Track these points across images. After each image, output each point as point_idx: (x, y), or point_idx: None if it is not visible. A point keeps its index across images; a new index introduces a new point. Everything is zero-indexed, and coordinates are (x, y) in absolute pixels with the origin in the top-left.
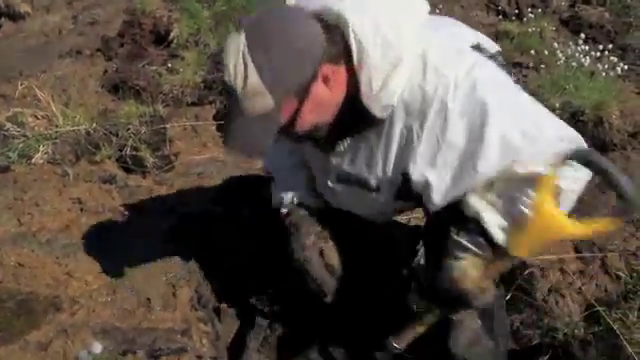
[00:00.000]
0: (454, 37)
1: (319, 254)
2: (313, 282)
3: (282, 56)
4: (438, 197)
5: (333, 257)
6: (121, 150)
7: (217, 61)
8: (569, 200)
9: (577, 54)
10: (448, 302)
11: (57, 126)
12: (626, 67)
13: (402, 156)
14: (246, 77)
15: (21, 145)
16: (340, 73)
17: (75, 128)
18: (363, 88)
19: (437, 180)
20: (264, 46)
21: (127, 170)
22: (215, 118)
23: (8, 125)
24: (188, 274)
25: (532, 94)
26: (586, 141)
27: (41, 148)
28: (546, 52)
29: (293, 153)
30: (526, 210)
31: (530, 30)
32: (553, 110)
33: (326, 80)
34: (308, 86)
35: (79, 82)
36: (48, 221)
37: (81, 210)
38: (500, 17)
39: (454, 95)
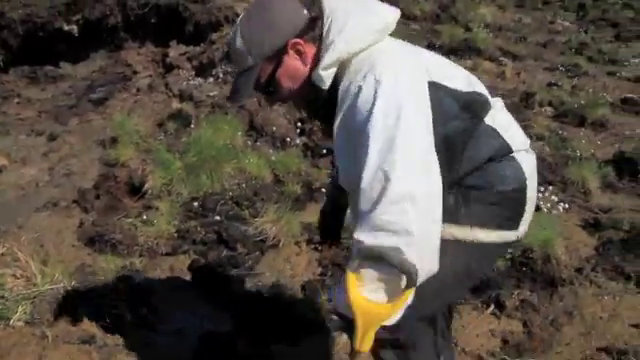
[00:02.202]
0: (419, 57)
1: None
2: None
3: (258, 27)
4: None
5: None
6: (100, 308)
7: (189, 209)
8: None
9: None
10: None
11: (35, 285)
12: (567, 205)
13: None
14: (234, 41)
15: (0, 307)
16: (311, 50)
17: (54, 286)
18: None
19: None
20: (248, 17)
21: (106, 329)
22: (190, 268)
23: None
24: None
25: None
26: (535, 279)
27: (20, 309)
28: None
29: None
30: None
31: None
32: None
33: (299, 52)
34: (280, 55)
35: (56, 235)
36: None
37: None
38: None
39: (376, 96)
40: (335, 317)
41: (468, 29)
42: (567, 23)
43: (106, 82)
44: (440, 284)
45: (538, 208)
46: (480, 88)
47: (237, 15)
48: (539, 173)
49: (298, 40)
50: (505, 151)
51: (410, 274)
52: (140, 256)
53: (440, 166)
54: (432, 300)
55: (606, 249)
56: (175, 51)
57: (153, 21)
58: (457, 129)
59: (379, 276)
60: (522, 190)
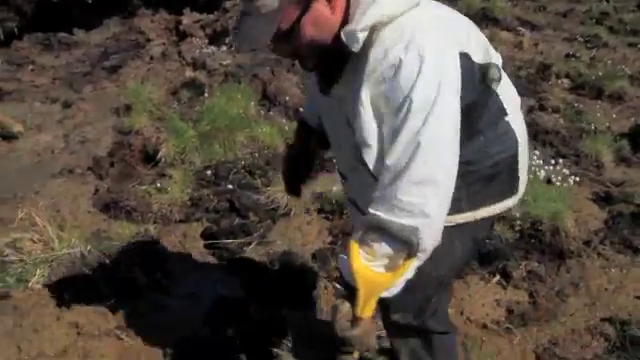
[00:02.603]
0: (450, 32)
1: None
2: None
3: None
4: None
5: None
6: (115, 272)
7: (202, 177)
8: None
9: (532, 167)
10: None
11: (53, 249)
12: (578, 178)
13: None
14: None
15: (19, 270)
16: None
17: (70, 251)
18: (349, 18)
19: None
20: None
21: (121, 292)
22: (202, 236)
23: (7, 251)
24: None
25: None
26: (543, 251)
27: (38, 272)
28: None
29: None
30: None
31: None
32: (513, 220)
33: (329, 0)
34: (310, 0)
35: (72, 202)
36: (46, 347)
37: (78, 334)
38: None
39: (416, 75)
40: (339, 286)
41: None
42: None
43: (119, 50)
44: (456, 270)
45: (549, 181)
46: (496, 58)
47: None
48: (553, 146)
49: None
50: (501, 115)
51: (414, 248)
52: (154, 223)
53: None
54: (449, 274)
55: (616, 222)
56: (188, 19)
57: None
58: (475, 101)
59: (384, 247)
60: (515, 155)
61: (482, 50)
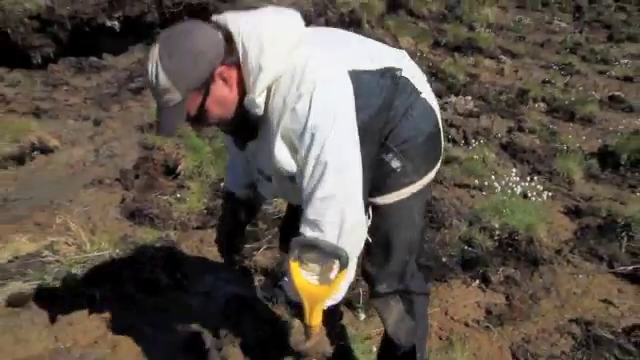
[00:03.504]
0: (335, 51)
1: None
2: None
3: (182, 59)
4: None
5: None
6: (139, 272)
7: (217, 189)
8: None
9: (510, 183)
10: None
11: (85, 251)
12: (551, 193)
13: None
14: (157, 78)
15: (55, 270)
16: (234, 75)
17: (100, 253)
18: (246, 89)
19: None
20: (169, 52)
21: (145, 290)
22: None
23: (45, 252)
24: None
25: (476, 216)
26: (519, 258)
27: (72, 271)
28: (486, 183)
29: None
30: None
31: (475, 157)
32: (493, 230)
33: (225, 80)
34: (208, 85)
35: (101, 209)
36: (79, 338)
37: (107, 327)
38: (450, 144)
39: (308, 110)
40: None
41: (471, 28)
42: (564, 24)
43: (144, 73)
44: (420, 231)
45: (525, 196)
46: (387, 59)
47: None
48: (529, 163)
49: (223, 67)
50: (417, 94)
51: (341, 258)
52: (174, 229)
53: (376, 134)
54: (421, 244)
55: (584, 234)
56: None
57: (186, 18)
58: (390, 93)
59: (318, 263)
60: (437, 124)
61: (373, 58)
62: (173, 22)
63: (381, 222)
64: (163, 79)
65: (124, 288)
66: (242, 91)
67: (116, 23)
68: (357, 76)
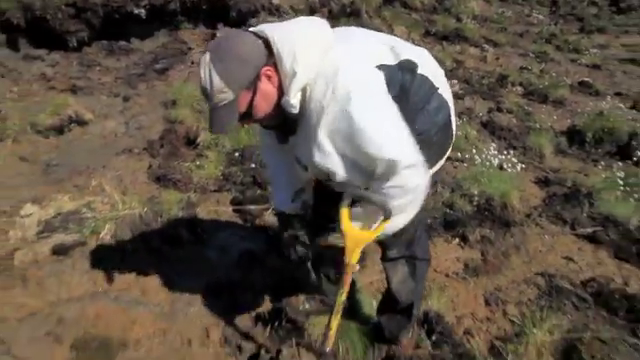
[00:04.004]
0: (359, 51)
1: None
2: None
3: (232, 62)
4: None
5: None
6: (164, 228)
7: (231, 158)
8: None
9: (489, 156)
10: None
11: (117, 210)
12: (524, 166)
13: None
14: (211, 80)
15: (92, 225)
16: (275, 75)
17: (131, 212)
18: (284, 89)
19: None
20: (220, 57)
21: (170, 243)
22: (231, 202)
23: (83, 210)
24: (217, 321)
25: (457, 184)
26: (494, 220)
27: (106, 227)
28: (467, 156)
29: (279, 157)
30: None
31: (459, 133)
32: (472, 196)
33: (268, 77)
34: (256, 83)
35: (131, 174)
36: (115, 283)
37: (137, 274)
38: None
39: (337, 108)
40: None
41: (459, 19)
42: (541, 16)
43: (167, 55)
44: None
45: (501, 167)
46: (405, 53)
47: (272, 4)
48: (506, 140)
49: (267, 67)
50: (433, 90)
51: (386, 212)
52: (194, 192)
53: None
54: (424, 213)
55: (551, 200)
56: (221, 32)
57: (205, 7)
58: (408, 87)
59: (365, 212)
60: (449, 117)
61: (392, 53)
62: (193, 10)
63: None
64: (216, 80)
65: (151, 241)
66: (281, 91)
67: (142, 11)
68: (383, 70)
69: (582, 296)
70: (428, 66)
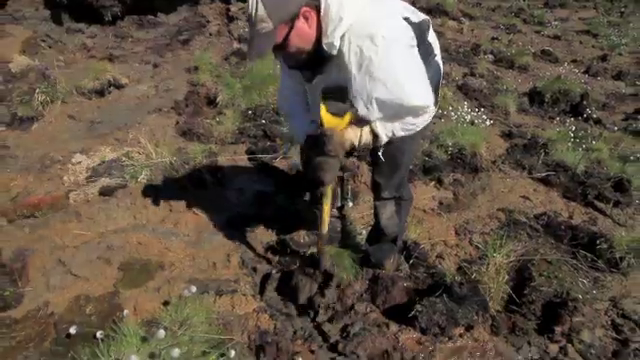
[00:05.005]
0: (391, 11)
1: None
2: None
3: None
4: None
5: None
6: (191, 173)
7: (246, 115)
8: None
9: (462, 114)
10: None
11: (151, 158)
12: (492, 121)
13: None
14: (257, 9)
15: (131, 171)
16: (314, 17)
17: (163, 160)
18: (323, 32)
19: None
20: None
21: (195, 185)
22: (246, 152)
23: (123, 158)
24: (236, 248)
25: (435, 136)
26: (465, 167)
27: (143, 172)
28: (444, 113)
29: (296, 99)
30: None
31: None
32: (447, 147)
33: (306, 18)
34: (294, 20)
35: (162, 130)
36: (151, 217)
37: (170, 210)
38: None
39: (371, 50)
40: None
41: None
42: None
43: (189, 28)
44: (415, 151)
45: (472, 123)
46: (423, 17)
47: None
48: (477, 100)
49: (307, 8)
50: (432, 53)
51: (353, 110)
52: (215, 143)
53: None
54: (412, 159)
55: (513, 150)
56: (235, 7)
57: None
58: (419, 43)
59: (337, 107)
60: (439, 79)
61: (413, 14)
62: None
63: (392, 149)
64: (261, 10)
65: (180, 184)
66: (319, 33)
67: None
68: (411, 24)
69: (534, 227)
70: (431, 33)
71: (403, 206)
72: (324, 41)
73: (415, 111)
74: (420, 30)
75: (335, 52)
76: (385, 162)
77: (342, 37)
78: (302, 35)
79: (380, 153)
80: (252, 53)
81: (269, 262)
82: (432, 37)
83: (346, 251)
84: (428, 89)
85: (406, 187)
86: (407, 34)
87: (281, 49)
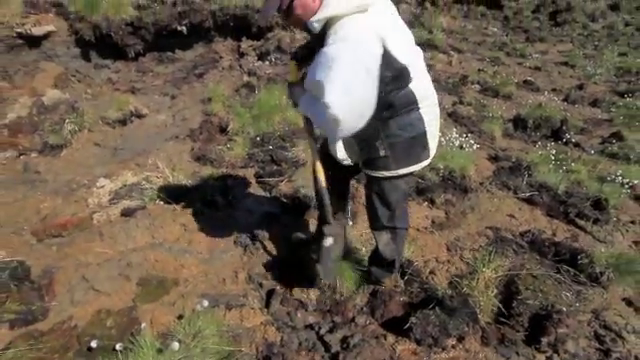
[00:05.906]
0: (381, 23)
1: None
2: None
3: None
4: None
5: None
6: (204, 195)
7: (254, 142)
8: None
9: (452, 139)
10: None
11: (169, 182)
12: (479, 146)
13: None
14: None
15: (150, 193)
16: None
17: (179, 183)
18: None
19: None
20: None
21: (209, 206)
22: (255, 176)
23: (143, 182)
24: (244, 264)
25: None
26: (455, 188)
27: (161, 194)
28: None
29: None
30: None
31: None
32: (439, 169)
33: None
34: None
35: (178, 155)
36: (167, 236)
37: (185, 230)
38: None
39: (333, 42)
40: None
41: (430, 32)
42: (495, 29)
43: (204, 63)
44: (402, 192)
45: (461, 147)
46: (411, 59)
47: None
48: (465, 126)
49: None
50: (414, 106)
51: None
52: (226, 168)
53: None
54: (401, 198)
55: (499, 172)
56: (245, 44)
57: (232, 24)
58: (392, 89)
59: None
60: (424, 134)
61: (404, 55)
62: (223, 27)
63: (378, 187)
64: None
65: (194, 205)
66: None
67: (184, 28)
68: (385, 53)
69: (520, 243)
70: (421, 72)
71: (399, 234)
72: (309, 20)
73: (323, 110)
74: (400, 73)
75: (315, 31)
76: (376, 199)
77: (329, 23)
78: (305, 7)
79: (369, 190)
80: (261, 15)
81: (274, 278)
82: (417, 86)
83: (349, 267)
84: (350, 105)
85: (401, 218)
86: (371, 60)
87: (286, 16)
